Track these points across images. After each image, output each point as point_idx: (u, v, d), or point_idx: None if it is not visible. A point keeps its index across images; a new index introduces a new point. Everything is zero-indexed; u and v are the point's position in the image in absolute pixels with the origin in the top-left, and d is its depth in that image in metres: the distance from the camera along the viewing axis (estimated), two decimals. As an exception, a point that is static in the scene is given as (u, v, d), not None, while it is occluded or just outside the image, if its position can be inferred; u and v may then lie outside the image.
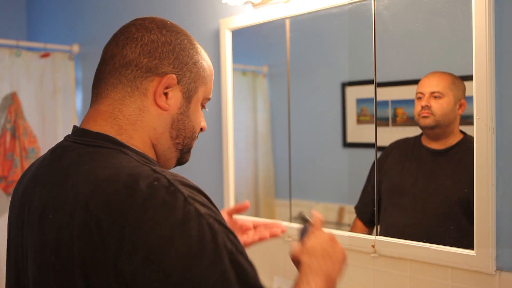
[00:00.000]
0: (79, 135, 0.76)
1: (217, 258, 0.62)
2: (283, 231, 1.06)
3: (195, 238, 0.62)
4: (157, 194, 0.63)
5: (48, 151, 0.80)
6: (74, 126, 0.79)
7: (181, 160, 0.87)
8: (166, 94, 0.78)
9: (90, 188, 0.66)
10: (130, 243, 0.61)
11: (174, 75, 0.78)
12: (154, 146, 0.80)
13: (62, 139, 0.80)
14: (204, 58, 0.84)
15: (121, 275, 0.61)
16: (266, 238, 1.05)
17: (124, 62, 0.76)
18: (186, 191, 0.66)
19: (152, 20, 0.80)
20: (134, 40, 0.77)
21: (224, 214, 1.06)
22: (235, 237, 0.67)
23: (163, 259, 0.60)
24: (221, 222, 0.66)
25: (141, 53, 0.76)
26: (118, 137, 0.75)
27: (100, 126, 0.76)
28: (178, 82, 0.79)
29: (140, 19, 0.81)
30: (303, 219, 0.92)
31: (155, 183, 0.65)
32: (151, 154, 0.80)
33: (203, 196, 0.69)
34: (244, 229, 1.09)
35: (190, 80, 0.81)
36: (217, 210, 0.69)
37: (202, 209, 0.65)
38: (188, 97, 0.82)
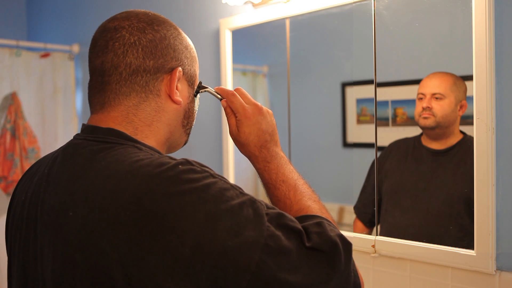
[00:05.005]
0: (90, 132, 0.74)
1: (259, 221, 0.64)
2: None
3: (236, 206, 0.63)
4: (186, 176, 0.63)
5: (58, 150, 0.78)
6: (83, 125, 0.78)
7: (186, 142, 0.88)
8: (176, 88, 0.79)
9: (113, 183, 0.64)
10: (178, 229, 0.60)
11: (180, 68, 0.79)
12: (167, 140, 0.81)
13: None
14: (186, 37, 0.84)
15: (175, 260, 0.60)
16: None
17: (131, 71, 0.75)
18: (206, 168, 0.67)
19: (137, 17, 0.78)
20: (133, 46, 0.75)
21: None
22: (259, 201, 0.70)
23: (214, 236, 0.61)
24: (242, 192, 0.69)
25: (144, 57, 0.75)
26: (133, 137, 0.74)
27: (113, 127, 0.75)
28: (183, 73, 0.80)
29: (122, 18, 0.79)
30: (200, 87, 0.87)
31: (180, 166, 0.65)
32: (164, 149, 0.81)
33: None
34: None
35: (189, 66, 0.82)
36: None
37: (227, 184, 0.67)
38: (191, 83, 0.84)
